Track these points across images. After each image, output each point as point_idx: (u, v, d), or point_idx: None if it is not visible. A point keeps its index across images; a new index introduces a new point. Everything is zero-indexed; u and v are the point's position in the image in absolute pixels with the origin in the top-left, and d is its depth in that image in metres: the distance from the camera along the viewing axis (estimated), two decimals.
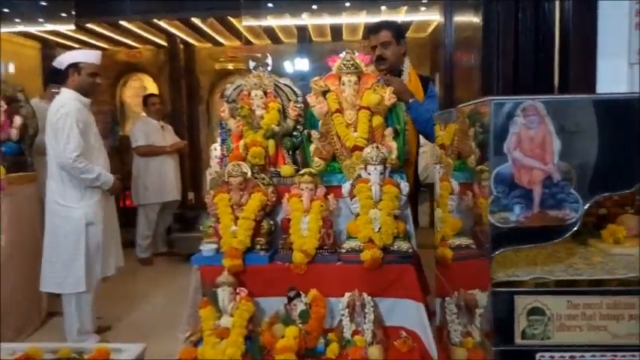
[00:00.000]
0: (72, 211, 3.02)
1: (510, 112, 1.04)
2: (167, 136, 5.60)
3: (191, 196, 7.01)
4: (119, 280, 3.31)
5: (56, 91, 3.23)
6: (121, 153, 6.18)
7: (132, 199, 5.52)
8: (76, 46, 6.23)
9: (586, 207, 1.03)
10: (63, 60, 3.11)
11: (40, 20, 5.18)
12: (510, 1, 1.39)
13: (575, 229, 1.03)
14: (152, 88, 7.35)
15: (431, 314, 2.17)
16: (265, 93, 2.61)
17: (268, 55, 2.93)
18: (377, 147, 2.25)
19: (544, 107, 1.04)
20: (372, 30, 3.08)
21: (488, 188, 1.05)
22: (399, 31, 3.03)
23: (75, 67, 3.07)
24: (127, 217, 5.25)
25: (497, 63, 1.43)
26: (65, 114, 2.94)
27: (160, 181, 5.38)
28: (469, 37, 1.71)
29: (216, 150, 5.36)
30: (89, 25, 5.83)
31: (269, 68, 2.72)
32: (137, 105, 7.64)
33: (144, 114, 5.65)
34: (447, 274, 1.95)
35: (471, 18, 1.65)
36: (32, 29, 5.63)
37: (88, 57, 3.13)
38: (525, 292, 1.07)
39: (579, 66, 1.36)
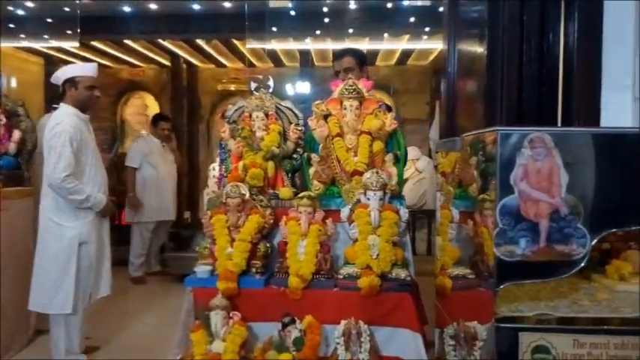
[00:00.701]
0: (65, 230, 2.94)
1: (517, 143, 1.03)
2: (167, 156, 5.58)
3: (187, 215, 6.96)
4: (110, 298, 3.24)
5: (55, 106, 3.19)
6: (118, 170, 6.16)
7: (126, 217, 5.45)
8: (78, 62, 6.27)
9: (594, 242, 1.00)
10: (60, 75, 3.06)
11: (45, 37, 5.22)
12: (515, 31, 1.40)
13: (583, 264, 1.00)
14: (153, 106, 7.38)
15: (428, 344, 2.12)
16: (267, 115, 2.61)
17: (270, 77, 2.95)
18: (377, 172, 2.24)
19: (551, 139, 1.02)
20: (336, 56, 3.20)
21: (494, 220, 1.03)
22: (362, 58, 3.16)
23: (71, 81, 3.01)
24: (120, 235, 5.19)
25: (501, 93, 1.43)
26: (59, 132, 2.87)
27: (155, 199, 5.33)
28: (472, 65, 1.72)
29: (214, 170, 5.34)
30: (93, 43, 5.88)
31: (270, 90, 2.73)
32: (138, 123, 7.66)
33: (143, 132, 5.63)
34: (446, 304, 1.91)
35: (474, 47, 1.66)
36: (37, 45, 5.67)
37: (85, 70, 3.07)
38: (530, 328, 1.04)
39: (583, 98, 1.36)
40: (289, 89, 6.70)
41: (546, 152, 1.03)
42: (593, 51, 1.33)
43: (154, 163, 5.33)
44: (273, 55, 6.40)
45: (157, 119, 5.58)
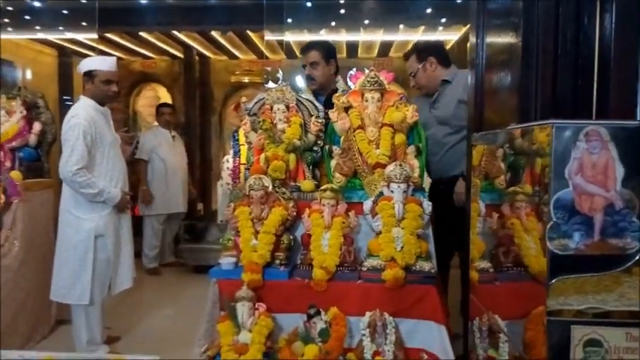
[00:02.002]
0: (83, 222, 2.96)
1: (572, 136, 1.03)
2: (177, 147, 5.60)
3: (200, 207, 6.99)
4: (127, 290, 3.27)
5: (66, 98, 3.22)
6: (132, 162, 6.18)
7: (139, 209, 5.49)
8: (93, 54, 6.27)
9: None
10: (80, 67, 3.08)
11: (61, 28, 5.24)
12: (550, 22, 1.39)
13: (637, 258, 1.00)
14: (166, 98, 7.38)
15: (452, 336, 2.13)
16: (287, 107, 2.61)
17: (279, 69, 2.97)
18: (400, 165, 2.24)
19: (607, 132, 1.02)
20: (302, 50, 3.20)
21: (548, 214, 1.03)
22: (328, 51, 3.14)
23: (89, 74, 3.02)
24: (133, 227, 5.23)
25: (535, 86, 1.42)
26: (74, 125, 2.88)
27: (164, 192, 5.36)
28: (502, 58, 1.71)
29: (228, 162, 5.38)
30: (106, 35, 5.88)
31: (280, 82, 2.73)
32: (150, 115, 7.67)
33: (156, 123, 5.66)
34: (476, 296, 1.92)
35: (506, 39, 1.65)
36: (53, 37, 5.68)
37: (103, 64, 3.06)
38: (583, 322, 1.04)
39: (619, 91, 1.34)
40: (300, 81, 6.67)
41: (602, 145, 1.02)
42: (631, 43, 1.32)
43: (162, 155, 5.35)
44: (288, 47, 6.39)
45: (158, 107, 5.65)
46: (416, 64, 3.09)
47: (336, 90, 3.00)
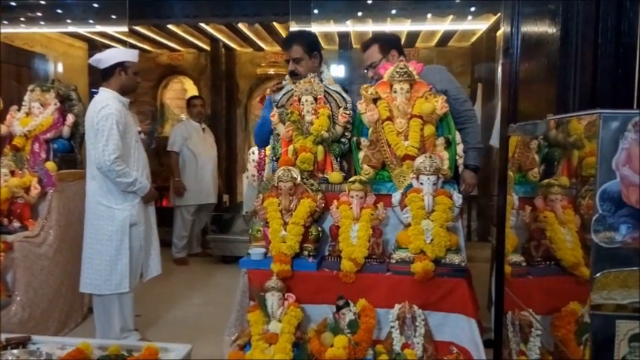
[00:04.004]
0: (116, 213, 3.00)
1: (620, 126, 1.00)
2: (207, 139, 5.67)
3: (225, 198, 7.07)
4: (155, 279, 3.32)
5: (95, 90, 3.25)
6: (159, 154, 6.30)
7: (169, 200, 5.59)
8: (120, 47, 6.37)
9: None
10: (106, 59, 3.06)
11: (91, 22, 5.34)
12: (591, 10, 1.34)
13: None
14: (192, 90, 7.47)
15: (482, 330, 2.11)
16: (315, 99, 2.61)
17: None
18: (430, 157, 2.21)
19: None
20: (284, 45, 3.06)
21: (593, 205, 1.01)
22: (310, 44, 2.99)
23: (122, 66, 3.05)
24: (162, 217, 5.32)
25: (574, 76, 1.38)
26: (106, 115, 2.91)
27: (195, 183, 5.44)
28: (538, 47, 1.66)
29: (254, 154, 5.43)
30: (134, 27, 5.96)
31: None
32: (177, 107, 7.78)
33: (183, 116, 5.74)
34: (510, 289, 1.90)
35: (543, 28, 1.61)
36: (83, 30, 5.80)
37: (132, 56, 3.13)
38: (628, 317, 1.02)
39: None
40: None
41: None
42: None
43: (193, 147, 5.44)
44: None
45: (189, 100, 5.72)
46: (378, 54, 3.01)
47: (321, 81, 2.95)
